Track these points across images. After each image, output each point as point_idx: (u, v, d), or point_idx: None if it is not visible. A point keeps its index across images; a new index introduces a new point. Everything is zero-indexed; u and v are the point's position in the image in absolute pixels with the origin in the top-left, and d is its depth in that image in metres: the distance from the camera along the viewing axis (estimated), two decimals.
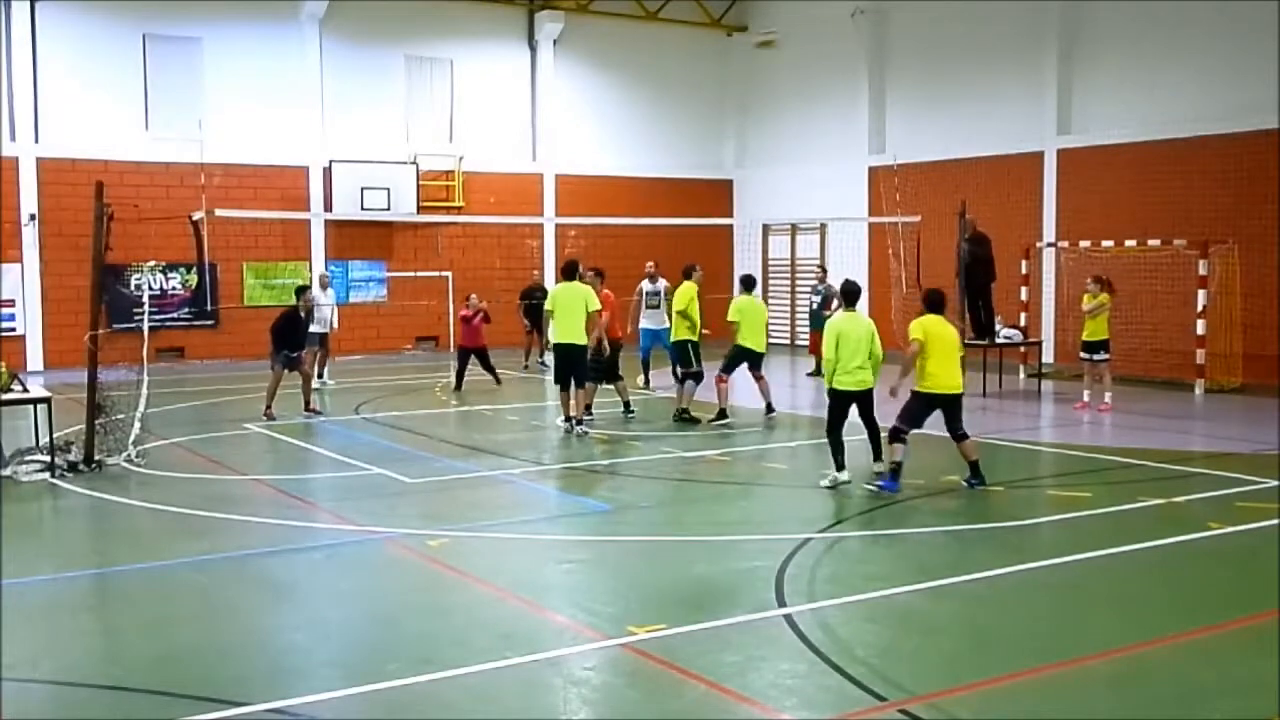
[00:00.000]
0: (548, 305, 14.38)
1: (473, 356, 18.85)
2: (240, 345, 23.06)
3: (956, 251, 18.29)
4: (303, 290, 16.63)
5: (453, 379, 18.92)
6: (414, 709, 5.83)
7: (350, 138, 24.55)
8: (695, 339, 15.31)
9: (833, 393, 11.05)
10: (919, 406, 10.92)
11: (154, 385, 13.69)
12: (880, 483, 10.73)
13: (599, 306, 14.19)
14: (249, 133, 23.51)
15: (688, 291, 15.36)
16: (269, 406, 15.52)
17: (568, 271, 14.48)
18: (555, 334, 14.23)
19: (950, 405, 10.92)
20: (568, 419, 14.16)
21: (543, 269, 25.82)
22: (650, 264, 18.85)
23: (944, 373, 10.81)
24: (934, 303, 11.11)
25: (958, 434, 10.99)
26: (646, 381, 18.42)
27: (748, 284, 15.78)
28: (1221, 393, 17.93)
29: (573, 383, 14.09)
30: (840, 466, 10.98)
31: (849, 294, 11.24)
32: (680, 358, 15.44)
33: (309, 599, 7.92)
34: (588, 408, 14.83)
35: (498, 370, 19.20)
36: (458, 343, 19.32)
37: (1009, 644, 6.81)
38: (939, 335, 10.82)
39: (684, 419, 14.93)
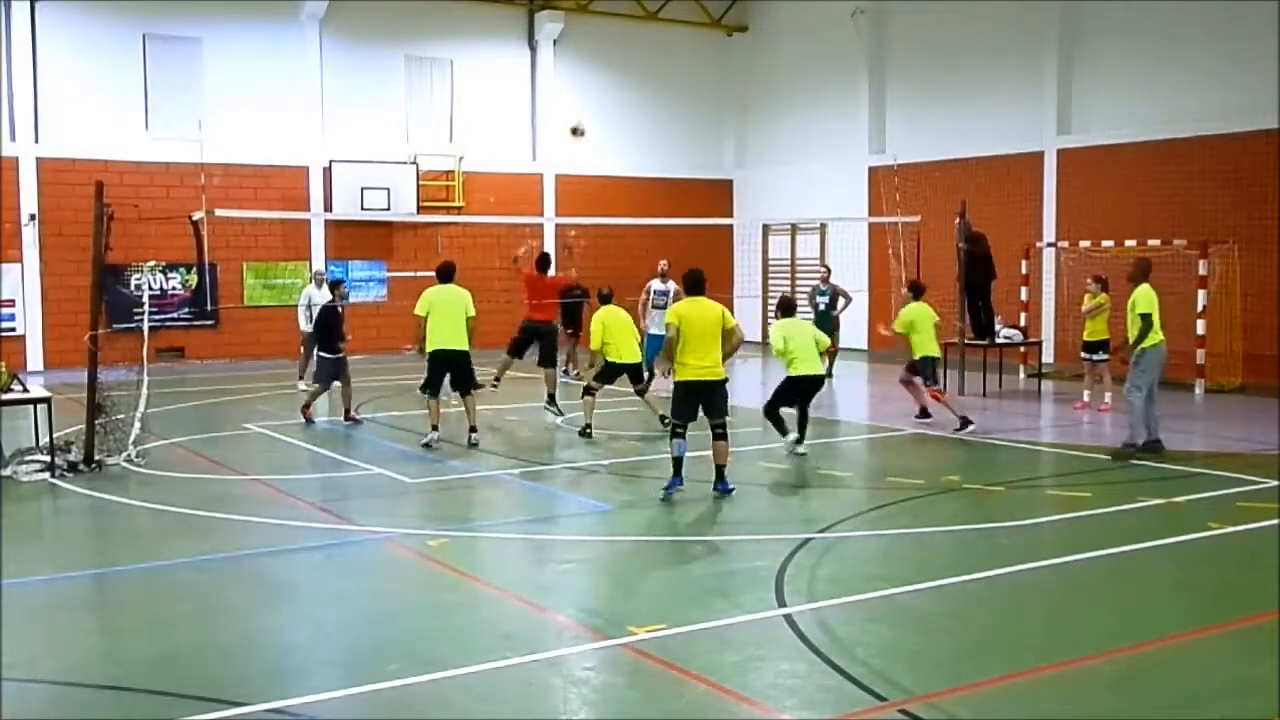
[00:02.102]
0: (420, 309, 13.48)
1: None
2: (240, 345, 23.10)
3: (957, 252, 18.29)
4: (336, 284, 16.84)
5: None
6: (414, 709, 5.82)
7: (350, 138, 24.55)
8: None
9: (792, 380, 12.58)
10: (679, 396, 10.43)
11: (154, 385, 13.67)
12: (664, 487, 10.42)
13: (474, 314, 13.67)
14: (249, 133, 23.51)
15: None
16: (308, 405, 15.49)
17: (445, 274, 13.76)
18: (432, 340, 13.42)
19: (709, 393, 10.42)
20: (435, 428, 13.42)
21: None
22: (663, 262, 18.45)
23: (697, 361, 10.27)
24: (691, 284, 10.61)
25: (715, 430, 10.45)
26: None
27: (605, 299, 14.77)
28: (1221, 393, 17.93)
29: (448, 390, 13.70)
30: (785, 432, 12.56)
31: (785, 307, 13.03)
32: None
33: (309, 599, 7.92)
34: (550, 397, 15.27)
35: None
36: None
37: (1009, 644, 6.81)
38: (690, 319, 10.26)
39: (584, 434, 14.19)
